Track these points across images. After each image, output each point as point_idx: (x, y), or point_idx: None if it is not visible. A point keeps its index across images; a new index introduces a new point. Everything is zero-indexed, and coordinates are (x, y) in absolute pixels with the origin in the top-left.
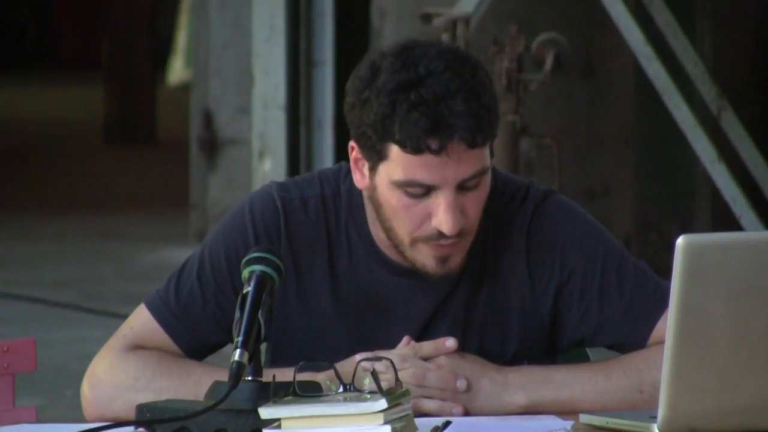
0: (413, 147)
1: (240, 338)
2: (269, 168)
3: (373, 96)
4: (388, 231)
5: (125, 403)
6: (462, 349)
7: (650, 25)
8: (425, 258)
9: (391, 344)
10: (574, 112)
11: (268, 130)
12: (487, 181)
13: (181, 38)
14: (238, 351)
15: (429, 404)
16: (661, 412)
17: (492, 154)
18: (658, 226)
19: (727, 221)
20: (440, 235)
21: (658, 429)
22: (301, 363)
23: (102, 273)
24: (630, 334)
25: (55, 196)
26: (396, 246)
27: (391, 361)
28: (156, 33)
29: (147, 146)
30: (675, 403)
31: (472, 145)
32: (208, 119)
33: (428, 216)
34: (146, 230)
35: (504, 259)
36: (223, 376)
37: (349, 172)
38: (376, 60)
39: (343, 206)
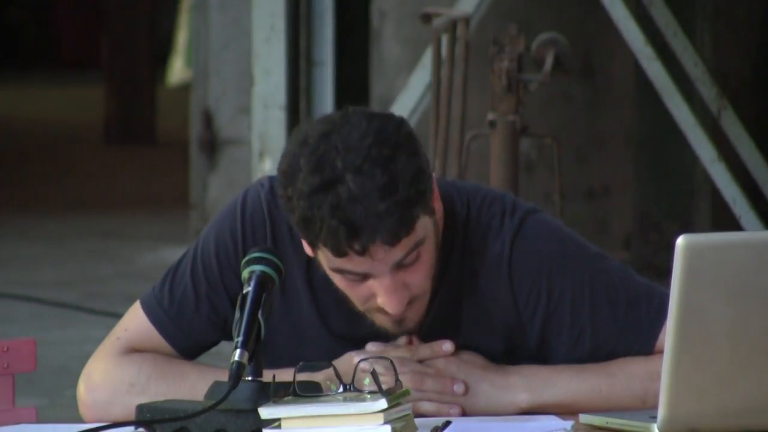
0: (335, 252)
1: (240, 338)
2: (269, 168)
3: (295, 197)
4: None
5: (123, 408)
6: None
7: (650, 25)
8: (382, 321)
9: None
10: (574, 112)
11: (268, 130)
12: (428, 246)
13: (181, 38)
14: (238, 351)
15: (427, 406)
16: (661, 412)
17: (431, 210)
18: (658, 226)
19: (727, 221)
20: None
21: (658, 429)
22: (301, 363)
23: (102, 273)
24: (630, 352)
25: (55, 196)
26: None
27: (391, 361)
28: (156, 33)
29: (147, 146)
30: (675, 403)
31: (397, 242)
32: (208, 119)
33: (373, 294)
34: (146, 230)
35: (485, 289)
36: (219, 378)
37: None
38: (296, 151)
39: None
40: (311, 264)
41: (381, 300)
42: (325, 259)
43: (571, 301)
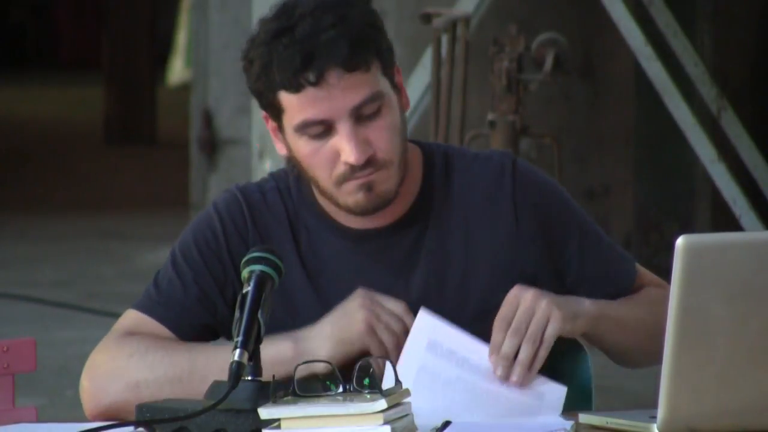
0: (293, 85)
1: (240, 338)
2: (269, 168)
3: (255, 51)
4: (317, 186)
5: (121, 384)
6: (445, 300)
7: (650, 25)
8: (352, 194)
9: None
10: (574, 112)
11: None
12: (389, 108)
13: (181, 38)
14: (237, 351)
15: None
16: (660, 412)
17: (394, 86)
18: (658, 226)
19: (727, 221)
20: (353, 169)
21: (658, 429)
22: (300, 363)
23: (102, 273)
24: (609, 287)
25: (55, 196)
26: (329, 198)
27: (391, 361)
28: (156, 33)
29: (147, 146)
30: (674, 403)
31: (350, 68)
32: (208, 119)
33: (337, 155)
34: (146, 230)
35: (483, 211)
36: (219, 353)
37: (294, 167)
38: (258, 22)
39: (293, 194)
40: (296, 237)
41: (344, 153)
42: (289, 120)
43: (566, 228)
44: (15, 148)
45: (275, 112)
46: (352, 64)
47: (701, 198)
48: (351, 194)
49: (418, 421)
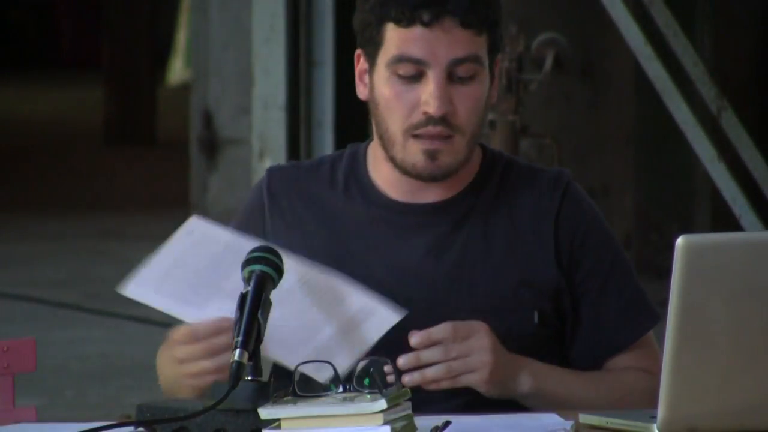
0: (405, 18)
1: (240, 338)
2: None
3: None
4: (384, 135)
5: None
6: (468, 289)
7: (650, 25)
8: (415, 155)
9: (383, 281)
10: (574, 112)
11: (268, 130)
12: (482, 82)
13: (181, 38)
14: (237, 351)
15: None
16: (661, 412)
17: (492, 72)
18: (658, 226)
19: (727, 221)
20: (428, 120)
21: (658, 429)
22: (300, 363)
23: (102, 273)
24: (615, 336)
25: (55, 196)
26: (391, 150)
27: (391, 362)
28: (156, 33)
29: (147, 146)
30: (675, 403)
31: (465, 24)
32: (208, 119)
33: (418, 104)
34: (146, 230)
35: (528, 218)
36: None
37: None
38: None
39: (344, 165)
40: (326, 203)
41: (425, 100)
42: (386, 54)
43: (592, 264)
44: (15, 148)
45: (373, 47)
46: (469, 20)
47: (701, 198)
48: (413, 154)
49: (418, 420)
